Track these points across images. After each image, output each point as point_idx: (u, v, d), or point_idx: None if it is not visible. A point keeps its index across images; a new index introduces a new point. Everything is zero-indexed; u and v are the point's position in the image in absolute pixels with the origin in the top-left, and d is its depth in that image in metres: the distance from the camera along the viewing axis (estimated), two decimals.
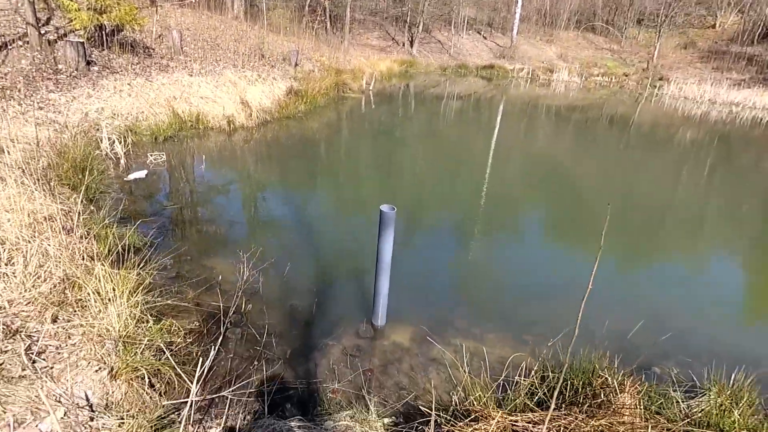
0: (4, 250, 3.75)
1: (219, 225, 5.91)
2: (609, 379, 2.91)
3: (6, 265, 3.65)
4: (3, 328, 3.12)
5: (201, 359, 3.00)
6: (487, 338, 4.12)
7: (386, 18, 30.17)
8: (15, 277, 3.54)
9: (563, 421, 2.34)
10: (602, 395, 2.77)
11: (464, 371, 3.03)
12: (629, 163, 11.67)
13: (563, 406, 2.73)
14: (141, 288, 3.75)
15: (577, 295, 4.91)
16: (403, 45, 28.41)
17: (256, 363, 3.53)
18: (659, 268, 6.15)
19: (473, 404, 2.52)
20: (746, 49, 26.71)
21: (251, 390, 3.15)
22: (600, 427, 2.30)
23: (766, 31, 27.36)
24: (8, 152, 5.28)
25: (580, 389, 2.91)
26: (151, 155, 7.37)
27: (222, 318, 3.95)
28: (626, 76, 27.06)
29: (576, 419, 2.26)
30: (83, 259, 4.04)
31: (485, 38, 31.24)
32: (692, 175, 11.08)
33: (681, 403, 3.15)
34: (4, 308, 3.34)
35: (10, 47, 8.52)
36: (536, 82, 26.28)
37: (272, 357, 3.64)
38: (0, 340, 3.04)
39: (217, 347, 3.55)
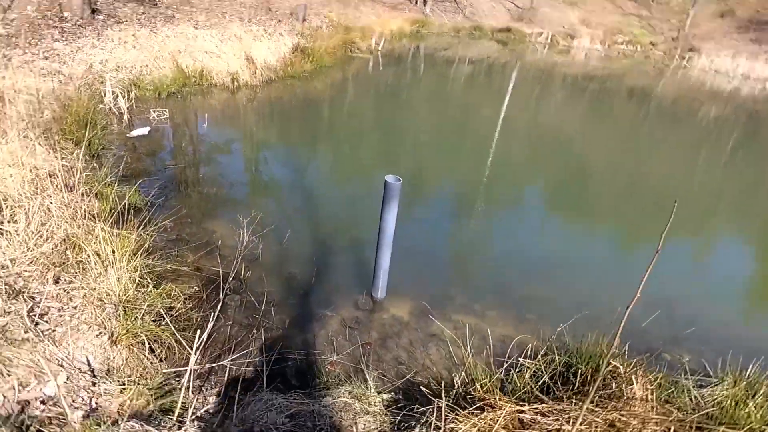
0: (7, 207, 3.65)
1: (220, 186, 5.77)
2: (620, 367, 2.75)
3: (9, 222, 3.56)
4: (6, 289, 3.07)
5: (200, 326, 2.98)
6: (489, 315, 4.03)
7: None
8: (17, 235, 3.45)
9: (573, 412, 2.29)
10: (613, 385, 2.64)
11: (467, 353, 2.95)
12: (645, 139, 10.96)
13: (571, 395, 2.63)
14: (141, 251, 3.68)
15: (580, 273, 4.94)
16: (416, 3, 26.99)
17: (254, 332, 3.50)
18: (673, 250, 5.60)
19: (478, 390, 2.46)
20: None
21: (250, 360, 3.13)
22: (611, 420, 2.23)
23: None
24: (12, 104, 5.07)
25: (589, 376, 2.77)
26: (154, 111, 7.11)
27: (221, 284, 3.90)
28: (653, 45, 24.70)
29: (586, 411, 2.17)
30: (84, 218, 3.95)
31: None
32: (712, 155, 10.43)
33: (692, 391, 3.01)
34: (7, 267, 3.28)
35: None
36: (555, 48, 24.55)
37: (271, 326, 3.60)
38: (3, 301, 2.99)
39: (216, 314, 3.51)
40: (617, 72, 20.51)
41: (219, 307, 3.65)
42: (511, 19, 27.25)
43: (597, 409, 2.37)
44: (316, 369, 3.18)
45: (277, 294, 4.00)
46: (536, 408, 2.33)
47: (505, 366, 3.06)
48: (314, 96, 10.61)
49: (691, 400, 2.93)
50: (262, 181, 6.39)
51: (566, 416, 2.26)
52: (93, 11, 8.48)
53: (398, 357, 3.45)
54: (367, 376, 2.97)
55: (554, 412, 2.28)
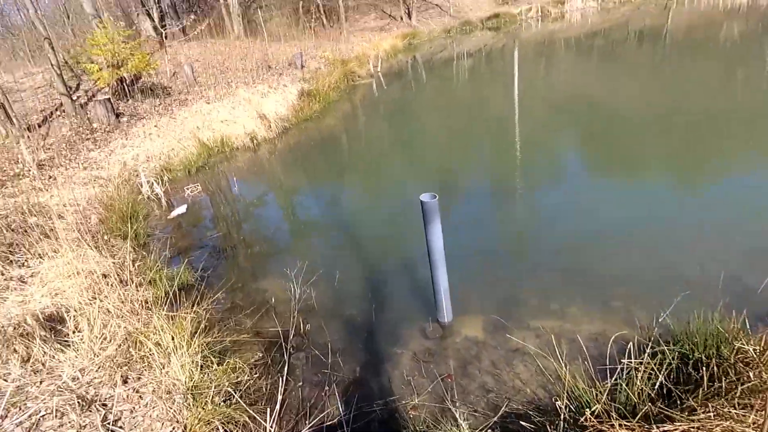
0: (70, 318, 3.61)
1: (262, 243, 5.63)
2: (749, 349, 2.17)
3: (74, 332, 3.51)
4: (79, 402, 2.96)
5: (271, 396, 2.71)
6: (570, 313, 3.47)
7: None
8: (83, 343, 3.38)
9: (713, 425, 1.74)
10: (750, 374, 2.07)
11: (561, 367, 2.42)
12: (671, 76, 9.87)
13: (702, 397, 2.09)
14: (199, 331, 3.51)
15: (654, 237, 4.20)
16: (402, 19, 26.97)
17: (327, 389, 3.18)
18: (753, 188, 4.91)
19: (588, 418, 1.96)
20: None
21: (329, 422, 2.81)
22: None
23: None
24: (62, 218, 5.22)
25: (714, 367, 2.22)
26: (188, 189, 7.21)
27: (284, 344, 3.65)
28: None
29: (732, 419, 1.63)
30: (141, 308, 3.86)
31: None
32: (752, 70, 9.15)
33: None
34: (78, 378, 3.20)
35: (50, 119, 8.63)
36: (548, 18, 23.63)
37: (342, 378, 3.27)
38: (78, 415, 2.88)
39: (284, 378, 3.25)
40: (620, 21, 19.20)
41: (286, 370, 3.38)
42: (496, 5, 26.64)
43: (743, 413, 1.80)
44: (399, 417, 2.80)
45: (340, 341, 3.69)
46: (667, 430, 1.78)
47: (609, 377, 2.51)
48: (330, 131, 10.54)
49: None
50: (300, 227, 6.22)
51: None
52: (117, 116, 8.91)
53: (485, 384, 2.98)
54: (457, 415, 2.54)
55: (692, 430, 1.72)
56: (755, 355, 2.18)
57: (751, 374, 2.09)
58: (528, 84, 12.22)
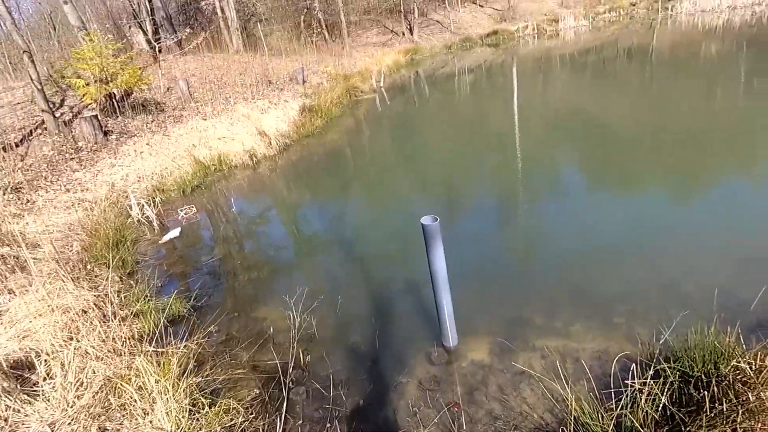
0: (41, 363, 3.33)
1: (260, 268, 5.38)
2: (746, 367, 2.27)
3: (45, 380, 3.22)
4: None
5: None
6: (573, 331, 3.50)
7: (380, 13, 29.15)
8: (55, 391, 3.09)
9: None
10: (750, 396, 2.13)
11: (567, 392, 2.55)
12: (659, 91, 10.84)
13: (704, 420, 2.17)
14: (188, 371, 3.24)
15: (653, 250, 4.28)
16: (404, 34, 27.33)
17: (329, 425, 2.95)
18: (733, 200, 5.22)
19: None
20: None
21: None
22: None
23: None
24: (39, 247, 4.98)
25: (714, 387, 2.31)
26: (182, 210, 7.00)
27: (282, 378, 3.40)
28: (633, 5, 25.25)
29: None
30: (125, 346, 3.58)
31: (482, 6, 29.52)
32: (730, 86, 10.09)
33: None
34: None
35: (30, 138, 8.49)
36: (544, 35, 24.81)
37: (345, 413, 3.11)
38: None
39: (283, 416, 2.97)
40: (610, 39, 20.29)
41: (285, 408, 3.11)
42: (495, 22, 27.25)
43: None
44: None
45: (343, 372, 3.52)
46: None
47: (614, 398, 2.66)
48: (332, 147, 10.41)
49: None
50: (301, 248, 5.98)
51: None
52: (105, 133, 8.78)
53: (492, 411, 2.92)
54: None
55: None
56: (752, 374, 2.24)
57: (750, 395, 2.14)
58: (527, 99, 12.45)
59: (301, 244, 6.10)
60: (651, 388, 2.43)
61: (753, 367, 2.26)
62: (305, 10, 22.91)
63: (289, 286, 4.64)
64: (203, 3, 19.57)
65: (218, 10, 18.78)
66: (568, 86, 13.85)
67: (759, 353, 2.42)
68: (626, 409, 2.45)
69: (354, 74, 16.97)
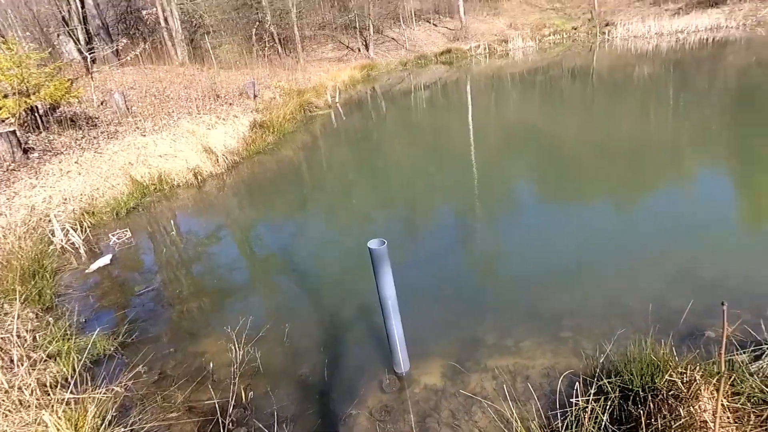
0: None
1: (202, 297, 5.09)
2: (678, 382, 2.37)
3: None
4: None
5: None
6: (524, 348, 3.59)
7: (336, 28, 29.50)
8: None
9: None
10: (681, 411, 2.23)
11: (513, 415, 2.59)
12: (601, 109, 11.81)
13: None
14: (109, 419, 2.93)
15: (594, 261, 4.53)
16: (359, 50, 27.75)
17: None
18: (667, 212, 5.63)
19: None
20: None
21: None
22: None
23: None
24: None
25: (650, 402, 2.40)
26: (114, 235, 6.55)
27: (221, 419, 3.17)
28: (575, 29, 27.29)
29: None
30: (34, 395, 3.20)
31: (436, 25, 30.66)
32: (661, 104, 11.17)
33: (750, 367, 2.72)
34: None
35: None
36: (495, 55, 26.22)
37: None
38: None
39: None
40: (555, 60, 21.81)
41: None
42: (448, 41, 28.49)
43: None
44: None
45: (289, 408, 3.36)
46: None
47: (560, 420, 2.73)
48: (286, 164, 10.23)
49: (752, 378, 2.57)
50: (247, 276, 5.72)
51: None
52: (25, 151, 8.13)
53: None
54: None
55: None
56: (683, 387, 2.34)
57: (682, 411, 2.24)
58: (482, 115, 13.01)
59: (248, 270, 5.85)
60: (593, 406, 2.50)
61: (684, 380, 2.35)
62: (257, 23, 22.76)
63: (233, 316, 4.40)
64: (144, 12, 18.96)
65: (161, 20, 18.24)
66: (520, 103, 14.56)
67: (689, 365, 2.53)
68: (572, 428, 2.51)
69: (309, 89, 16.93)
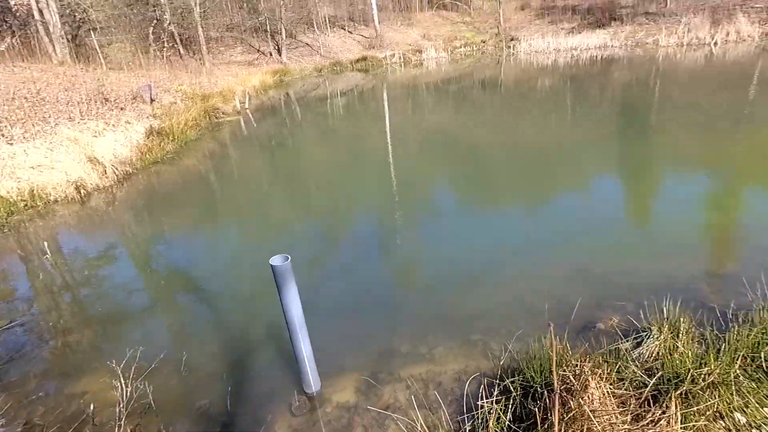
0: None
1: (84, 329, 4.55)
2: (570, 376, 2.59)
3: None
4: None
5: None
6: (437, 355, 3.69)
7: (245, 31, 28.60)
8: None
9: None
10: (571, 403, 2.41)
11: (423, 425, 2.65)
12: (510, 117, 12.85)
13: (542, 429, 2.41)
14: None
15: (503, 263, 4.86)
16: (271, 55, 27.18)
17: None
18: (566, 213, 6.23)
19: None
20: (568, 2, 30.44)
21: None
22: None
23: None
24: None
25: (547, 399, 2.56)
26: None
27: None
28: (484, 42, 29.52)
29: None
30: None
31: (351, 33, 31.14)
32: (561, 113, 12.57)
33: (631, 352, 3.11)
34: None
35: None
36: (409, 64, 27.30)
37: None
38: None
39: None
40: (467, 71, 23.41)
41: None
42: (363, 49, 29.19)
43: None
44: None
45: None
46: None
47: (469, 424, 2.80)
48: (190, 174, 9.60)
49: (634, 364, 2.91)
50: (137, 301, 5.21)
51: None
52: None
53: None
54: None
55: None
56: (573, 380, 2.54)
57: (572, 402, 2.40)
58: (399, 122, 13.42)
59: (141, 293, 5.34)
60: (496, 408, 2.63)
61: (575, 373, 2.55)
62: (154, 21, 21.27)
63: (122, 348, 3.98)
64: (13, 3, 16.80)
65: (35, 12, 16.27)
66: (436, 111, 15.25)
67: (580, 357, 2.77)
68: (478, 431, 2.63)
69: (215, 94, 16.15)
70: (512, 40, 28.26)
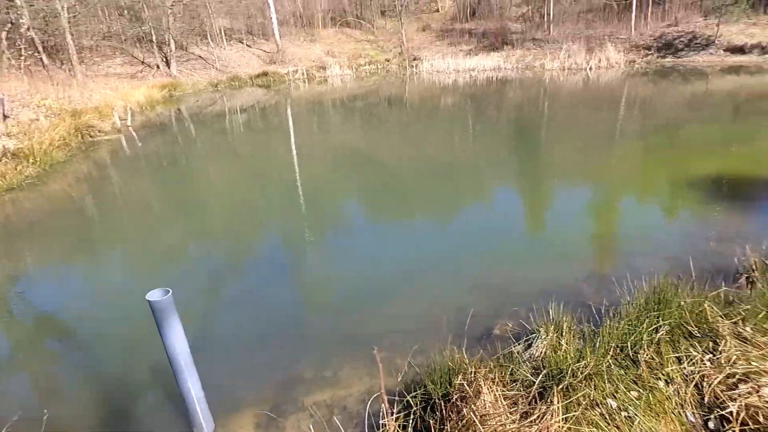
0: None
1: None
2: (464, 384, 2.75)
3: None
4: None
5: None
6: (342, 377, 3.72)
7: (125, 40, 26.70)
8: None
9: None
10: (464, 411, 2.57)
11: None
12: (416, 134, 13.60)
13: None
14: None
15: (407, 278, 5.08)
16: (158, 67, 25.64)
17: None
18: (467, 227, 6.74)
19: None
20: (465, 26, 33.37)
21: None
22: None
23: (472, 11, 34.80)
24: None
25: (444, 409, 2.70)
26: None
27: None
28: (388, 61, 31.08)
29: None
30: None
31: (249, 47, 30.66)
32: (464, 130, 13.73)
33: (523, 354, 3.41)
34: None
35: None
36: (313, 80, 27.64)
37: None
38: None
39: None
40: (372, 88, 24.50)
41: None
42: (264, 63, 28.93)
43: None
44: None
45: None
46: None
47: None
48: (57, 201, 8.67)
49: (525, 365, 3.18)
50: None
51: None
52: None
53: None
54: None
55: None
56: (468, 389, 2.72)
57: (465, 410, 2.57)
58: (305, 139, 13.50)
59: None
60: (394, 425, 2.70)
61: (469, 381, 2.74)
62: (9, 25, 18.98)
63: None
64: None
65: None
66: (342, 128, 15.57)
67: (474, 366, 2.99)
68: None
69: (89, 110, 14.80)
70: (415, 59, 30.00)
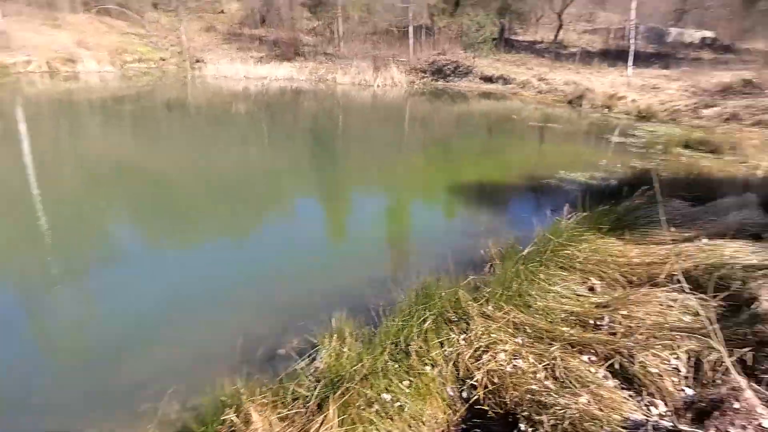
0: None
1: None
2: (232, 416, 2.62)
3: None
4: None
5: None
6: None
7: None
8: None
9: None
10: None
11: None
12: (203, 142, 12.83)
13: None
14: None
15: (187, 309, 4.62)
16: None
17: None
18: (251, 246, 6.55)
19: None
20: (255, 32, 33.13)
21: None
22: None
23: (262, 18, 34.40)
24: None
25: None
26: None
27: None
28: (164, 60, 28.41)
29: None
30: None
31: None
32: (256, 140, 13.70)
33: (307, 369, 3.40)
34: None
35: None
36: (58, 76, 23.39)
37: None
38: None
39: None
40: (145, 89, 22.37)
41: None
42: None
43: None
44: None
45: None
46: None
47: None
48: None
49: (308, 380, 3.19)
50: None
51: None
52: None
53: None
54: None
55: None
56: (237, 420, 2.67)
57: None
58: (49, 150, 11.39)
59: None
60: None
61: (239, 412, 2.61)
62: None
63: None
64: None
65: None
66: (106, 135, 13.70)
67: (245, 394, 2.85)
68: None
69: None
70: (198, 61, 28.13)
